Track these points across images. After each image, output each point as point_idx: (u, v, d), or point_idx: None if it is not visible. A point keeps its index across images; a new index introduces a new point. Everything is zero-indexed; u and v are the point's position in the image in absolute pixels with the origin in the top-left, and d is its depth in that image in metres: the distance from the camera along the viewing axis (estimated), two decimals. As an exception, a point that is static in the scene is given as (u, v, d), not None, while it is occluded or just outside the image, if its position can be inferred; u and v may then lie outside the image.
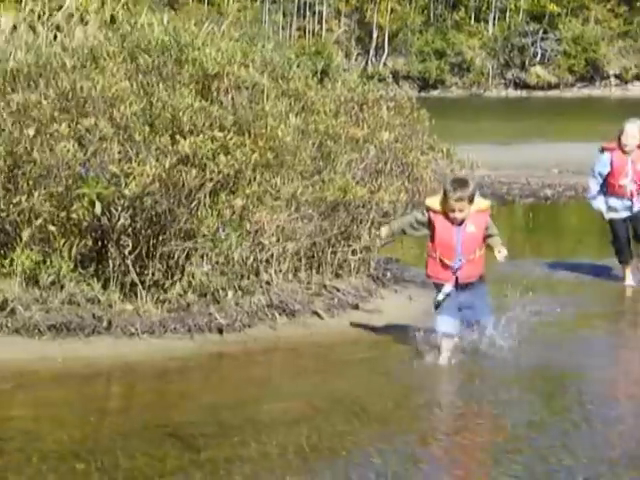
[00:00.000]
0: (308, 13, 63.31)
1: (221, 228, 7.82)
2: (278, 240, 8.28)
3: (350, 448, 5.62)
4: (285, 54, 9.65)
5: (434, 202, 7.09)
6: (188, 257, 7.83)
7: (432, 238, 7.08)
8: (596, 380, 7.10)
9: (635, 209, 10.02)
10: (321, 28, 63.46)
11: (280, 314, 8.11)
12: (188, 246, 7.78)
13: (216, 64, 8.11)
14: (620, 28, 66.75)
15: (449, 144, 10.24)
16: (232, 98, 8.29)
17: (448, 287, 7.04)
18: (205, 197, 7.83)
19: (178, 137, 7.55)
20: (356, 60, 60.32)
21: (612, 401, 6.62)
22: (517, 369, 7.16)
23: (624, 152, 9.82)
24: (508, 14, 65.65)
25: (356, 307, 8.66)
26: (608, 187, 9.99)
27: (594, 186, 10.08)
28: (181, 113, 7.67)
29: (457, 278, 7.03)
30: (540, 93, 63.37)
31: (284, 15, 61.87)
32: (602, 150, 10.02)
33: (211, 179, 7.67)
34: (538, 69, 65.12)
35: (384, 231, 7.54)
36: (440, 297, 7.08)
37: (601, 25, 66.33)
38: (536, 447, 5.62)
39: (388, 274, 9.62)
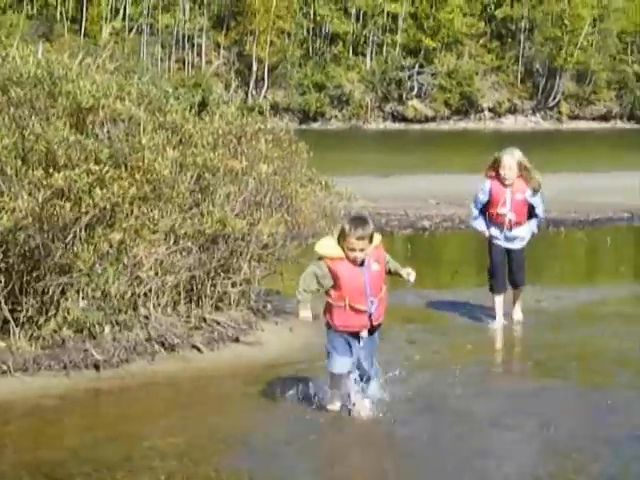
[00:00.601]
0: (187, 45, 63.26)
1: (98, 262, 7.71)
2: (157, 274, 8.19)
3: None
4: (162, 87, 9.58)
5: (328, 249, 6.61)
6: (63, 292, 7.68)
7: (335, 286, 6.56)
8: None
9: (514, 246, 9.76)
10: (200, 60, 63.47)
11: (159, 348, 8.01)
12: (63, 281, 7.63)
13: (91, 97, 8.01)
14: (493, 63, 68.76)
15: (328, 176, 10.31)
16: (108, 131, 8.20)
17: (365, 333, 6.66)
18: (81, 231, 7.71)
19: (52, 171, 7.42)
20: (236, 92, 60.46)
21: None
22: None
23: (503, 184, 9.57)
24: (385, 48, 66.86)
25: (236, 340, 8.62)
26: (488, 216, 9.80)
27: (475, 210, 9.86)
28: (55, 146, 7.54)
29: (371, 321, 6.66)
30: (417, 126, 64.68)
31: (162, 47, 61.63)
32: (485, 178, 9.76)
33: (87, 213, 7.56)
34: (415, 102, 66.48)
35: (303, 313, 6.73)
36: (361, 345, 6.64)
37: (475, 60, 68.18)
38: None
39: (269, 306, 9.61)
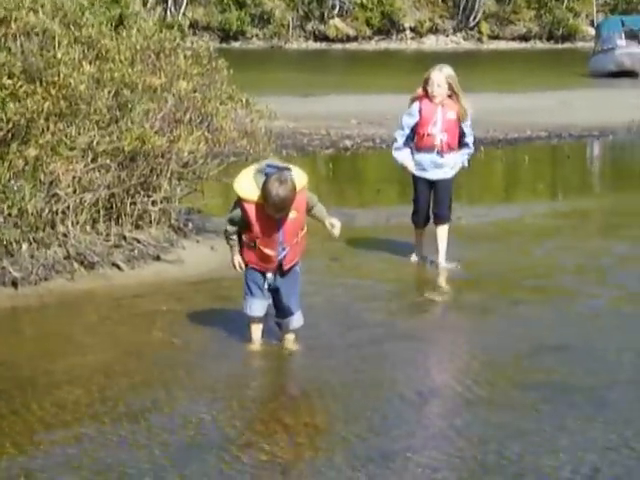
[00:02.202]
0: (104, -40, 61.55)
1: (13, 179, 7.56)
2: (74, 191, 8.07)
3: (146, 400, 5.59)
4: (78, 1, 9.33)
5: (247, 191, 6.14)
6: (-22, 210, 7.54)
7: (248, 228, 6.22)
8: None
9: (442, 175, 8.82)
10: (118, -24, 61.87)
11: (78, 266, 7.94)
12: (-22, 199, 7.48)
13: (2, 9, 7.78)
14: (415, -19, 68.33)
15: (249, 95, 10.20)
16: (21, 45, 7.98)
17: (270, 275, 6.36)
18: (-5, 147, 7.54)
19: (-37, 85, 7.22)
20: (154, 10, 59.16)
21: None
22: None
23: (434, 102, 8.68)
24: (306, -35, 65.94)
25: (157, 258, 8.58)
26: (417, 140, 8.77)
27: (400, 138, 8.84)
28: (-35, 60, 7.33)
29: (281, 266, 6.35)
30: (339, 46, 64.21)
31: (78, -38, 59.91)
32: (411, 101, 8.85)
33: (0, 129, 7.38)
34: (337, 22, 65.89)
35: (237, 258, 6.40)
36: (266, 286, 6.37)
37: (397, -22, 67.66)
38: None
39: (190, 225, 9.56)
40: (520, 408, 5.50)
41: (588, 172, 17.56)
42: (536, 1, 69.57)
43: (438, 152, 8.75)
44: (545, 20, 69.24)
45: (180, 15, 59.46)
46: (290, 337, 6.57)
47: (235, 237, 6.35)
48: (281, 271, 6.37)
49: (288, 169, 6.15)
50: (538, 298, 7.90)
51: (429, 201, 8.96)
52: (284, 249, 6.27)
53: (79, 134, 8.09)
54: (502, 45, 67.62)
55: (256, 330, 6.53)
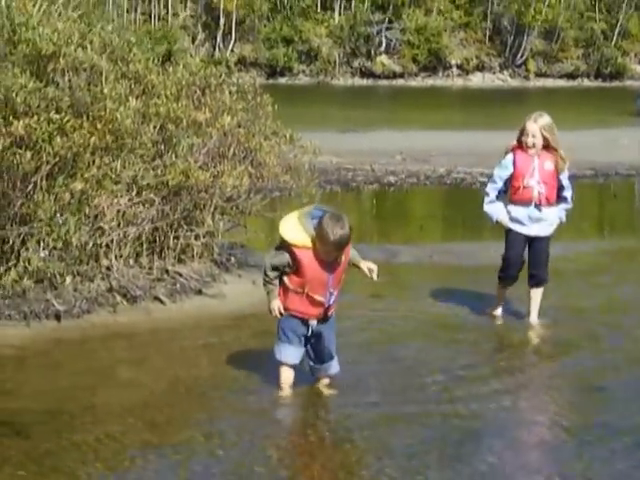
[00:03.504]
0: (154, -3, 62.50)
1: (59, 212, 7.64)
2: (119, 225, 8.14)
3: (190, 436, 5.59)
4: (125, 36, 9.45)
5: (295, 235, 6.05)
6: (24, 242, 7.62)
7: (297, 272, 6.08)
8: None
9: (540, 232, 8.17)
10: (167, 13, 62.76)
11: (120, 300, 7.99)
12: (24, 231, 7.57)
13: (52, 44, 7.89)
14: (461, 19, 68.49)
15: (294, 130, 10.23)
16: (69, 80, 8.08)
17: (315, 322, 6.22)
18: (42, 180, 7.64)
19: (11, 119, 7.32)
20: (203, 46, 59.92)
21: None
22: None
23: (528, 153, 8.08)
24: (353, 3, 66.40)
25: (199, 292, 8.60)
26: (511, 193, 8.16)
27: (492, 192, 8.20)
28: (14, 94, 7.43)
29: (327, 312, 6.24)
30: (385, 82, 64.43)
31: (128, -1, 60.87)
32: (505, 153, 8.24)
33: (47, 162, 7.48)
34: (383, 58, 66.16)
35: (274, 303, 6.23)
36: (309, 334, 6.23)
37: (443, 16, 67.88)
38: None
39: (232, 259, 9.58)
40: None
41: (635, 211, 17.38)
42: (584, 39, 69.38)
43: (536, 205, 8.10)
44: (593, 58, 68.98)
45: (228, 51, 60.09)
46: (325, 381, 6.45)
47: (276, 282, 6.20)
48: (325, 317, 6.23)
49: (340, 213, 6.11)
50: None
51: (522, 259, 8.26)
52: (332, 294, 6.15)
53: (124, 168, 8.16)
54: (549, 83, 67.44)
55: (288, 376, 6.33)
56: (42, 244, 7.64)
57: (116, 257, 8.13)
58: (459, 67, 67.86)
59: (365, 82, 64.65)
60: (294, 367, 6.33)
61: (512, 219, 8.17)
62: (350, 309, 7.93)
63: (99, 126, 7.88)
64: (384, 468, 5.19)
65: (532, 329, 8.18)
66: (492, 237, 12.82)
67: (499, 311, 8.50)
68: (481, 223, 15.06)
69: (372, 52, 65.54)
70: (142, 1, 61.91)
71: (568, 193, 8.23)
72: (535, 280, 8.24)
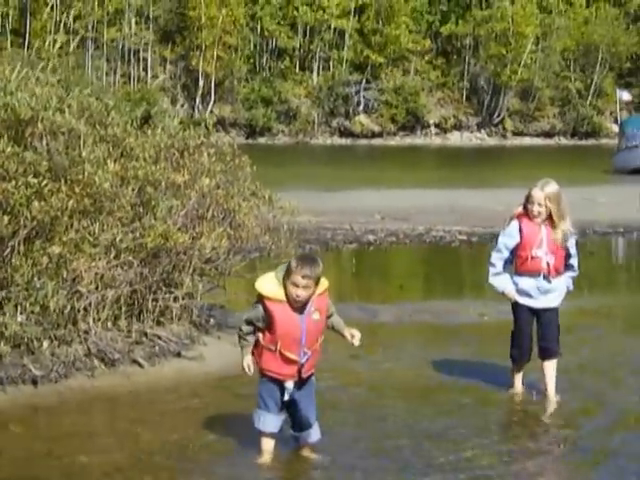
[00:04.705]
0: (132, 59, 62.95)
1: (36, 276, 7.60)
2: (97, 288, 8.10)
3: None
4: (104, 99, 9.50)
5: (269, 288, 6.07)
6: (1, 306, 7.56)
7: (270, 328, 6.05)
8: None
9: (549, 303, 7.77)
10: (146, 75, 63.19)
11: (99, 363, 7.92)
12: (1, 295, 7.52)
13: (30, 109, 7.92)
14: (438, 79, 69.34)
15: (273, 191, 10.25)
16: (47, 144, 8.10)
17: (290, 384, 6.13)
18: (19, 245, 7.61)
19: (-11, 183, 7.32)
20: (182, 107, 60.26)
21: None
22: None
23: (534, 221, 7.68)
24: (332, 63, 67.12)
25: (178, 355, 8.54)
26: (518, 263, 7.75)
27: (498, 262, 7.77)
28: (-8, 159, 7.44)
29: (300, 373, 6.14)
30: (364, 141, 64.98)
31: (108, 61, 61.29)
32: (509, 220, 7.83)
33: (25, 226, 7.46)
34: (362, 118, 66.79)
35: (247, 361, 6.17)
36: (286, 397, 6.14)
37: (421, 76, 68.70)
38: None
39: (212, 320, 9.54)
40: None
41: (612, 269, 17.45)
42: (560, 98, 70.31)
43: (545, 277, 7.68)
44: (569, 117, 69.85)
45: (207, 112, 60.46)
46: (307, 448, 6.36)
47: (249, 338, 6.19)
48: (300, 379, 6.16)
49: None
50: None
51: (532, 333, 7.84)
52: (305, 354, 6.08)
53: (102, 231, 8.15)
54: (526, 141, 68.21)
55: (268, 443, 6.24)
56: (19, 308, 7.59)
57: (94, 320, 8.08)
58: (437, 126, 68.57)
59: (344, 141, 65.17)
60: (274, 435, 6.25)
61: (519, 291, 7.75)
62: (329, 371, 7.88)
63: (77, 190, 7.88)
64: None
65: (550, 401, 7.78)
66: (472, 296, 12.89)
67: (519, 388, 7.95)
68: (460, 281, 15.19)
69: (350, 112, 66.17)
70: (121, 63, 62.35)
71: (575, 260, 7.87)
72: (547, 353, 7.81)
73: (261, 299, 6.08)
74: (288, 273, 5.98)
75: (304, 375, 6.17)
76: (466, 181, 30.60)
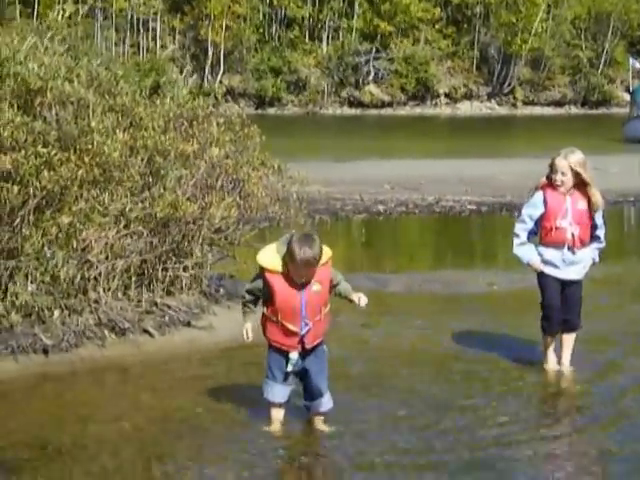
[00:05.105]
0: (142, 30, 62.71)
1: (46, 246, 7.62)
2: (107, 257, 8.12)
3: (176, 469, 5.55)
4: (112, 69, 9.47)
5: (269, 260, 6.07)
6: (12, 276, 7.59)
7: (270, 300, 6.08)
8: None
9: (574, 275, 7.62)
10: (155, 45, 62.99)
11: (109, 333, 7.95)
12: (11, 265, 7.54)
13: (39, 79, 7.90)
14: (449, 49, 68.87)
15: (282, 161, 10.24)
16: (56, 114, 8.09)
17: (295, 355, 6.14)
18: (29, 214, 7.62)
19: (-1, 153, 7.32)
20: (191, 77, 60.03)
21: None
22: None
23: (559, 190, 7.54)
24: (341, 33, 66.75)
25: (188, 324, 8.57)
26: (543, 234, 7.63)
27: (522, 232, 7.63)
28: (1, 128, 7.43)
29: (304, 344, 6.14)
30: (374, 111, 64.67)
31: (117, 31, 61.08)
32: (534, 190, 7.68)
33: (34, 196, 7.47)
34: (372, 88, 66.44)
35: (247, 325, 6.27)
36: (289, 368, 6.16)
37: (430, 45, 68.25)
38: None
39: (221, 290, 9.56)
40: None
41: (623, 238, 17.41)
42: (571, 67, 69.83)
43: (569, 248, 7.55)
44: (580, 86, 69.40)
45: (217, 82, 60.27)
46: (319, 418, 6.36)
47: (252, 306, 6.25)
48: (304, 350, 6.17)
49: (314, 234, 6.13)
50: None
51: (560, 302, 7.67)
52: (307, 324, 6.07)
53: (112, 201, 8.16)
54: (537, 110, 67.80)
55: (277, 413, 6.28)
56: (30, 278, 7.62)
57: (104, 290, 8.11)
58: (447, 96, 68.18)
59: (353, 111, 64.88)
60: (283, 405, 6.27)
61: (544, 262, 7.60)
62: (340, 340, 7.90)
63: (86, 159, 7.88)
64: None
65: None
66: (481, 265, 12.87)
67: (552, 362, 7.76)
68: (470, 251, 15.16)
69: (360, 82, 65.83)
70: (130, 33, 62.15)
71: (601, 232, 7.70)
72: (569, 326, 7.69)
73: (262, 271, 6.10)
74: (290, 256, 5.95)
75: (307, 346, 6.16)
76: (476, 151, 30.48)
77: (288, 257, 5.96)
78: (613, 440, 6.18)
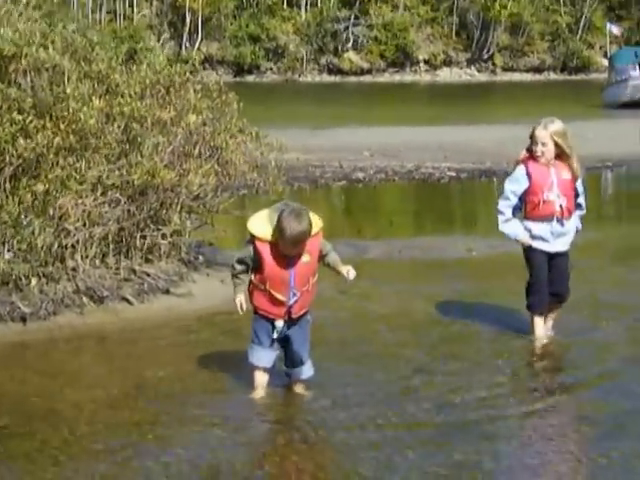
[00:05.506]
0: (119, -4, 62.24)
1: (23, 214, 7.57)
2: (84, 225, 8.08)
3: (154, 436, 5.56)
4: (88, 36, 9.38)
5: (260, 229, 6.02)
6: (-12, 245, 7.55)
7: (259, 268, 6.04)
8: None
9: (562, 247, 7.47)
10: (132, 12, 62.50)
11: (87, 301, 7.93)
12: (-13, 233, 7.50)
13: (13, 45, 7.82)
14: (428, 15, 68.71)
15: (261, 128, 10.19)
16: (31, 80, 8.01)
17: (280, 323, 6.15)
18: (5, 182, 7.57)
19: (-27, 120, 7.25)
20: (169, 44, 59.63)
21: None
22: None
23: (540, 162, 7.33)
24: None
25: (167, 292, 8.56)
26: (529, 209, 7.43)
27: (507, 209, 7.43)
28: (-25, 95, 7.37)
29: (290, 313, 6.14)
30: (353, 78, 64.57)
31: (93, -2, 60.60)
32: (515, 164, 7.50)
33: (10, 163, 7.41)
34: (351, 55, 66.29)
35: (238, 298, 6.17)
36: (275, 335, 6.15)
37: (409, 11, 68.07)
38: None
39: (200, 258, 9.55)
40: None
41: (602, 203, 17.48)
42: (550, 33, 69.81)
43: (558, 220, 7.39)
44: (559, 52, 69.43)
45: (195, 50, 59.93)
46: (300, 384, 6.38)
47: (242, 276, 6.19)
48: (290, 319, 6.17)
49: (304, 208, 6.07)
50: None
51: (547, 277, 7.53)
52: (295, 294, 6.06)
53: (89, 168, 8.11)
54: (516, 77, 67.85)
55: (261, 378, 6.28)
56: (7, 246, 7.57)
57: (82, 258, 8.07)
58: (426, 62, 68.13)
59: (333, 79, 64.76)
60: (267, 370, 6.28)
61: (533, 237, 7.43)
62: (319, 307, 7.90)
63: (62, 126, 7.82)
64: (357, 469, 5.17)
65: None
66: (460, 231, 12.91)
67: (543, 337, 7.55)
68: (449, 217, 15.20)
69: (339, 49, 65.67)
70: (107, 0, 61.62)
71: (582, 199, 7.59)
72: (558, 298, 7.57)
73: (252, 238, 6.06)
74: (280, 232, 5.90)
75: (294, 316, 6.17)
76: (455, 118, 30.50)
77: (278, 233, 5.92)
78: (592, 403, 6.22)
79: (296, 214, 5.91)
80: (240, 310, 6.20)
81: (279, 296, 6.06)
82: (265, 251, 5.99)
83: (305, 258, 6.03)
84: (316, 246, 6.09)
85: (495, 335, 7.68)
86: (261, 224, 6.03)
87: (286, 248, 5.96)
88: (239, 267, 6.18)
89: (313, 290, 6.20)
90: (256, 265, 6.06)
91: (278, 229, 5.91)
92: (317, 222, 6.07)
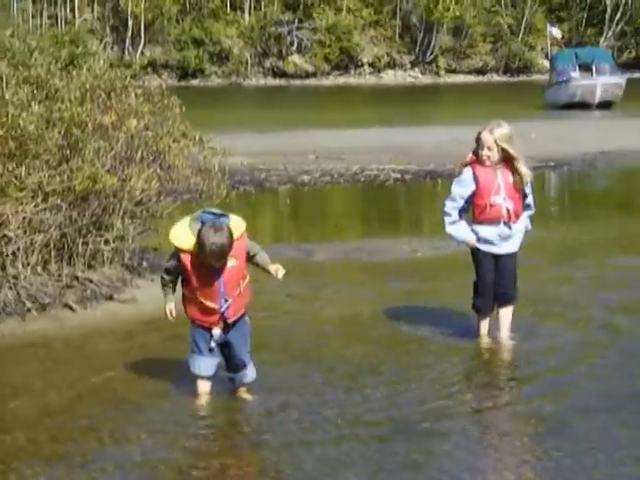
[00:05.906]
0: (59, 1, 61.60)
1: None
2: (25, 232, 7.99)
3: (99, 443, 5.50)
4: (26, 41, 9.28)
5: (182, 239, 5.92)
6: None
7: (187, 279, 5.98)
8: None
9: (509, 249, 7.43)
10: (74, 17, 61.94)
11: (29, 308, 7.84)
12: None
13: (-51, 50, 7.72)
14: (371, 17, 68.98)
15: (205, 132, 10.14)
16: (-32, 86, 7.91)
17: (217, 331, 6.08)
18: (-58, 190, 7.45)
19: None
20: (112, 49, 59.22)
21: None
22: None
23: (488, 166, 7.27)
24: (263, 3, 66.39)
25: (110, 298, 8.49)
26: (477, 212, 7.38)
27: (453, 211, 7.38)
28: None
29: (225, 319, 6.07)
30: (298, 82, 64.60)
31: (34, 2, 59.90)
32: (461, 167, 7.40)
33: (-52, 171, 7.30)
34: (295, 58, 66.32)
35: (168, 306, 6.19)
36: (212, 345, 6.10)
37: (353, 14, 68.28)
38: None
39: (144, 263, 9.48)
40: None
41: (545, 203, 17.66)
42: (492, 35, 70.44)
43: (505, 223, 7.36)
44: (501, 53, 70.08)
45: (138, 54, 59.57)
46: (244, 389, 6.35)
47: (171, 285, 6.15)
48: (226, 325, 6.11)
49: (224, 216, 5.95)
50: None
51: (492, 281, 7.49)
52: (227, 301, 5.99)
53: (29, 174, 8.02)
54: (459, 78, 68.39)
55: (204, 386, 6.25)
56: (-55, 255, 7.46)
57: (23, 265, 7.98)
58: (371, 65, 68.39)
59: (277, 82, 64.75)
60: (210, 377, 6.25)
61: (480, 240, 7.40)
62: (264, 310, 7.90)
63: (1, 132, 7.74)
64: (300, 470, 5.16)
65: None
66: (405, 233, 12.97)
67: (486, 338, 7.57)
68: (394, 219, 15.25)
69: (283, 52, 65.67)
70: (48, 5, 61.01)
71: (531, 199, 7.51)
72: (505, 299, 7.52)
73: (176, 249, 5.98)
74: (200, 247, 5.78)
75: (229, 321, 6.11)
76: (400, 120, 30.63)
77: (198, 247, 5.82)
78: (540, 400, 6.27)
79: (215, 229, 5.79)
80: (170, 317, 6.19)
81: (211, 304, 6.00)
82: (189, 262, 5.92)
83: (232, 262, 5.93)
84: (242, 249, 6.01)
85: (441, 335, 7.72)
86: (182, 234, 5.93)
87: (209, 261, 5.87)
88: (167, 277, 6.15)
89: (246, 292, 6.14)
90: (183, 276, 6.01)
91: (198, 244, 5.82)
92: (239, 225, 5.98)
